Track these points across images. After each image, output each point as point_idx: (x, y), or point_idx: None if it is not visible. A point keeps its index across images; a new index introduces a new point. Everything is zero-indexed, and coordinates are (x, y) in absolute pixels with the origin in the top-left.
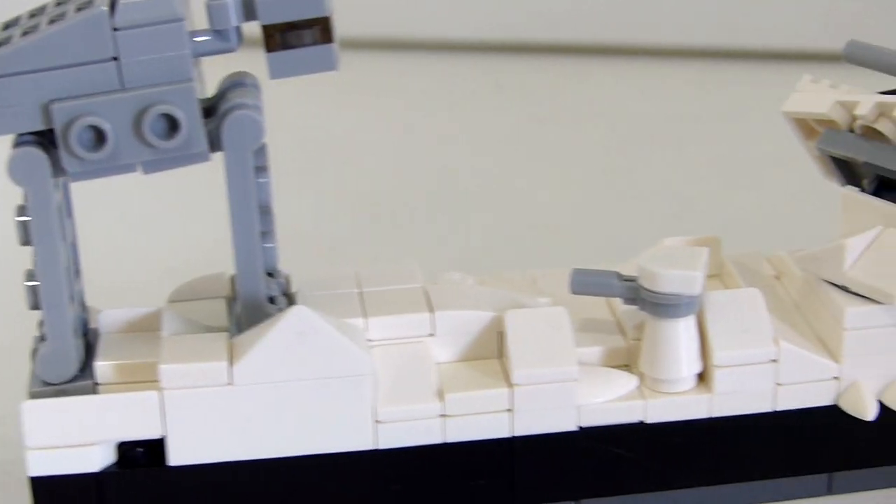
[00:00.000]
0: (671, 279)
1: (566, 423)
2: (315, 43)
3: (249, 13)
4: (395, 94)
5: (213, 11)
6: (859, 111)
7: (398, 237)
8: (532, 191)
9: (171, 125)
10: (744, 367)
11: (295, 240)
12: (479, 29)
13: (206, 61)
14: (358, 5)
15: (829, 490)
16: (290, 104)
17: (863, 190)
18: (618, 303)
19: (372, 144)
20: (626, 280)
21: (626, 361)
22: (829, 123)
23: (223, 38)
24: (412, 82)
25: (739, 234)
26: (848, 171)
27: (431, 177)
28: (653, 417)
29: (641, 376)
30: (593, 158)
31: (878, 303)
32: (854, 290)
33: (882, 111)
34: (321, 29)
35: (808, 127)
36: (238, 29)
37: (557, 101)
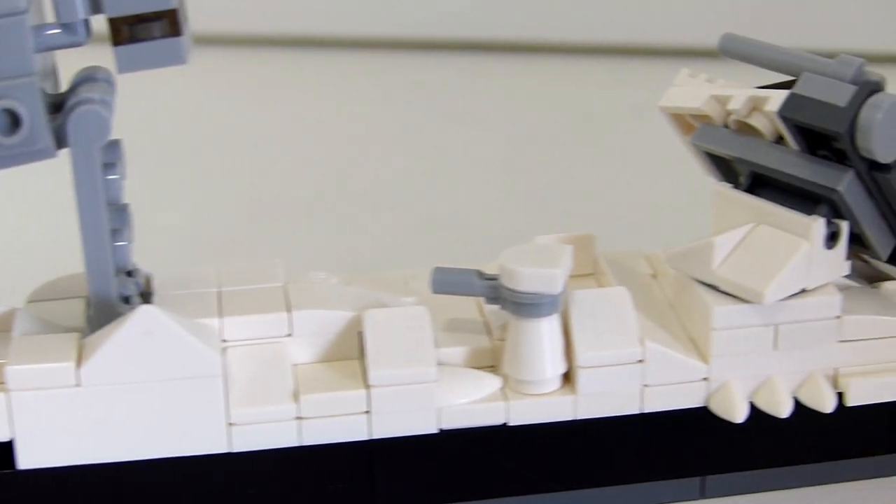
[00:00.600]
0: (531, 277)
1: (426, 425)
2: (164, 36)
3: (96, 6)
4: (295, 91)
5: (59, 5)
6: (732, 105)
7: (294, 236)
8: (428, 189)
9: (14, 121)
10: (609, 367)
11: (188, 239)
12: (383, 26)
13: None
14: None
15: (702, 494)
16: (188, 101)
17: (737, 187)
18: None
19: (272, 142)
20: (488, 279)
21: (491, 362)
22: (704, 118)
23: (71, 32)
24: (312, 79)
25: (636, 232)
26: (725, 168)
27: (330, 174)
28: (516, 420)
29: (505, 378)
30: (492, 156)
31: (746, 302)
32: (723, 288)
33: (755, 105)
34: (169, 21)
35: (685, 122)
36: (86, 22)
37: (459, 98)
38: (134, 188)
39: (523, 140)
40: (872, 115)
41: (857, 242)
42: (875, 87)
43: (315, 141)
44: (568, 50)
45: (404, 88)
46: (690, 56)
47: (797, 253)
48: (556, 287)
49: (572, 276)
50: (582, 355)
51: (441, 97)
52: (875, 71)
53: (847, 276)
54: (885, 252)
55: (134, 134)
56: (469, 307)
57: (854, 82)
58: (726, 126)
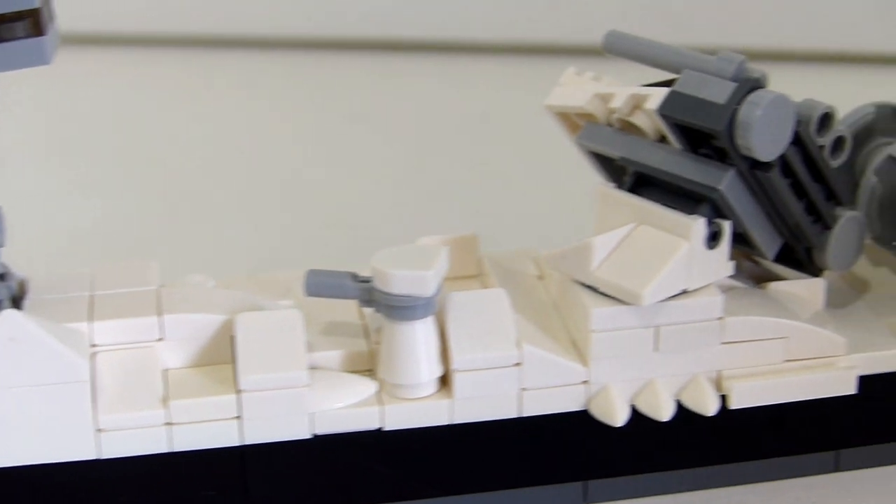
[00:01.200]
0: (402, 280)
1: (299, 430)
2: (27, 36)
3: None
4: (190, 91)
5: None
6: (614, 104)
7: (187, 237)
8: (324, 189)
9: None
10: (485, 371)
11: (80, 241)
12: (275, 25)
13: None
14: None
15: (585, 499)
16: (84, 102)
17: (622, 186)
18: None
19: (165, 143)
20: (362, 281)
21: (369, 366)
22: (588, 117)
23: None
24: (206, 79)
25: (534, 232)
26: (612, 167)
27: (224, 175)
28: (391, 424)
29: (381, 382)
30: (388, 156)
31: (626, 303)
32: (602, 290)
33: (637, 103)
34: (32, 22)
35: (572, 121)
36: None
37: (353, 98)
38: (26, 190)
39: (420, 140)
40: (751, 112)
41: (745, 242)
42: (755, 84)
43: (208, 141)
44: (463, 49)
45: (297, 88)
46: (593, 56)
47: (676, 253)
48: (428, 289)
49: (456, 278)
50: (457, 358)
51: (335, 97)
52: (757, 67)
53: (733, 277)
54: (770, 251)
55: (21, 135)
56: (350, 310)
57: (735, 79)
58: (611, 125)
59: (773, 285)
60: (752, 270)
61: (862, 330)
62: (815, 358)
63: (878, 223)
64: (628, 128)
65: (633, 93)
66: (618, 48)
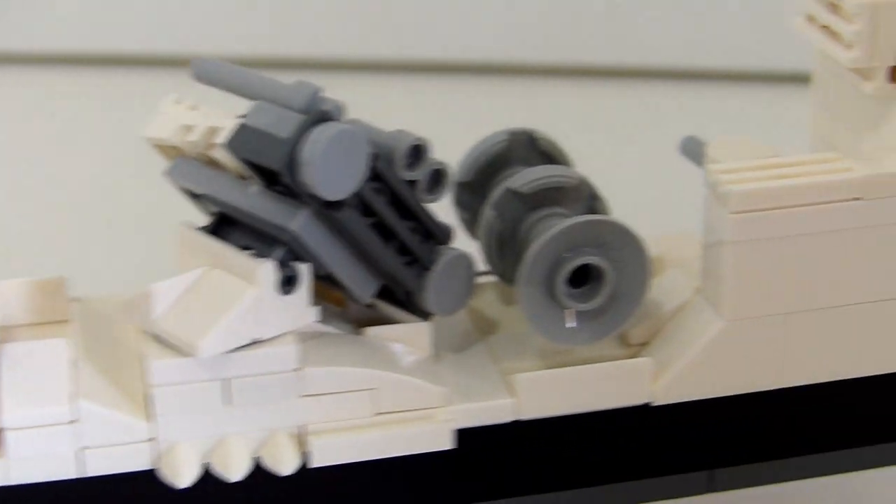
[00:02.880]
0: None
1: None
2: None
3: None
4: None
5: None
6: (192, 137)
7: None
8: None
9: None
10: (37, 428)
11: None
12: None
13: None
14: None
15: None
16: None
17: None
18: None
19: None
20: None
21: None
22: (179, 151)
23: None
24: None
25: None
26: (204, 205)
27: None
28: None
29: None
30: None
31: (189, 355)
32: (168, 341)
33: (212, 137)
34: None
35: (171, 155)
36: None
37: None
38: None
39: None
40: (311, 148)
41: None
42: (324, 116)
43: None
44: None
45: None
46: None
47: (241, 301)
48: None
49: (43, 324)
50: (8, 415)
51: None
52: (332, 98)
53: (332, 322)
54: (364, 295)
55: None
56: None
57: (305, 111)
58: (199, 160)
59: (372, 331)
60: (360, 313)
61: (473, 377)
62: (410, 410)
63: (499, 261)
64: (214, 163)
65: (209, 125)
66: (206, 76)
